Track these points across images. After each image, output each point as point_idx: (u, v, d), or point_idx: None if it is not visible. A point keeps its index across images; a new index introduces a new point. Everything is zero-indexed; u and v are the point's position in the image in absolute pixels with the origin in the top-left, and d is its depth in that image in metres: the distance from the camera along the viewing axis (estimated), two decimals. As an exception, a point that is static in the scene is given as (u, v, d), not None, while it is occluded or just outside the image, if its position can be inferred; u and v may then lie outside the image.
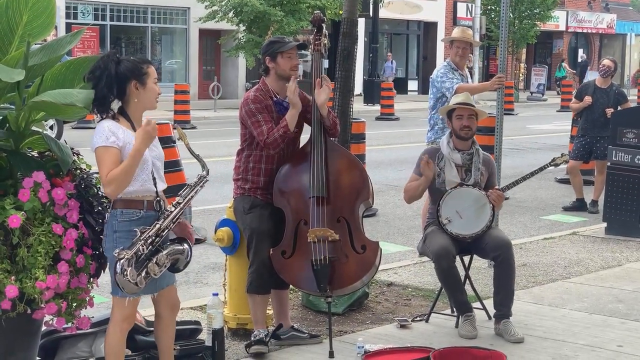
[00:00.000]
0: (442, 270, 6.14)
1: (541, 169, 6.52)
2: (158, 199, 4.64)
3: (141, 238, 4.47)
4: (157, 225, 4.53)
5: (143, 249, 4.45)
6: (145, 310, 6.04)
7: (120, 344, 4.68)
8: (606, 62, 11.81)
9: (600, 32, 50.47)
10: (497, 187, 6.52)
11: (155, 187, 4.63)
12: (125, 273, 4.39)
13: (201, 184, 4.79)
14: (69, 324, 4.58)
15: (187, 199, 4.70)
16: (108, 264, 4.63)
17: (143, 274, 4.46)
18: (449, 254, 6.10)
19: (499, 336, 6.16)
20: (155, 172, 4.64)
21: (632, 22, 52.19)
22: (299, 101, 5.73)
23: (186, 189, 4.76)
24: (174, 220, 4.62)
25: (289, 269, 5.76)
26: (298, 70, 5.89)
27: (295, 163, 5.83)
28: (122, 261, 4.39)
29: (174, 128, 4.94)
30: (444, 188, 6.32)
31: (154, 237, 4.51)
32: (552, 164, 6.57)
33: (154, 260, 4.50)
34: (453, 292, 6.27)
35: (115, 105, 4.60)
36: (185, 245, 4.68)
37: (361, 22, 32.16)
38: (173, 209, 4.63)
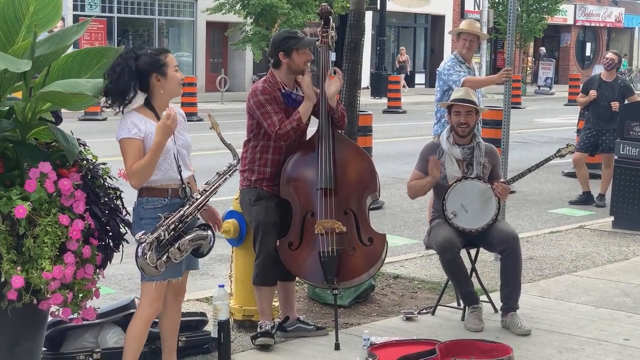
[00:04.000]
0: (447, 262, 6.14)
1: (547, 160, 6.48)
2: (183, 186, 4.77)
3: (164, 223, 4.60)
4: (181, 212, 4.67)
5: (165, 234, 4.59)
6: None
7: (143, 330, 4.78)
8: (609, 55, 11.80)
9: (608, 25, 50.30)
10: (502, 179, 6.50)
11: (180, 175, 4.74)
12: (145, 256, 4.53)
13: (230, 172, 4.92)
14: (75, 315, 4.58)
15: (214, 186, 4.83)
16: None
17: (164, 258, 4.59)
18: (453, 245, 6.09)
19: (506, 329, 6.16)
20: (180, 160, 4.76)
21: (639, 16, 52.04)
22: (314, 94, 5.72)
23: (215, 176, 4.86)
24: (199, 207, 4.75)
25: (295, 261, 5.76)
26: (309, 64, 5.87)
27: (302, 155, 5.82)
28: (143, 245, 4.53)
29: (208, 117, 5.02)
30: (445, 183, 6.30)
31: (177, 223, 4.64)
32: (557, 154, 6.53)
33: (176, 245, 4.63)
34: (459, 283, 6.26)
35: (141, 97, 4.73)
36: (209, 232, 4.82)
37: (369, 15, 32.10)
38: (199, 196, 4.75)
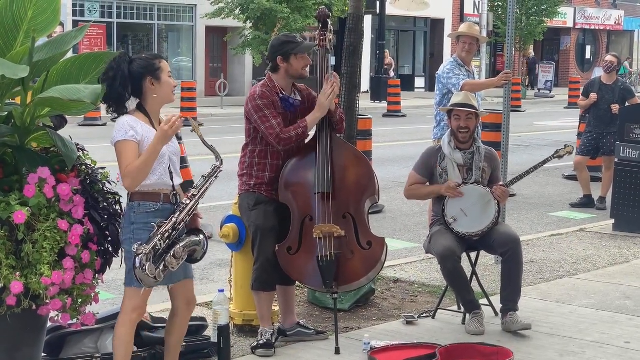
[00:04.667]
0: (448, 271, 6.13)
1: (545, 161, 6.47)
2: (174, 192, 4.75)
3: (158, 232, 4.56)
4: (174, 219, 4.63)
5: (160, 244, 4.55)
6: (152, 306, 6.04)
7: (129, 335, 4.74)
8: (609, 57, 11.80)
9: (607, 28, 50.32)
10: (501, 182, 6.50)
11: (172, 181, 4.72)
12: (144, 268, 4.49)
13: (215, 174, 4.87)
14: (74, 320, 4.57)
15: (201, 190, 4.79)
16: (124, 255, 4.69)
17: (161, 267, 4.56)
18: (453, 254, 6.08)
19: (506, 332, 6.14)
20: (172, 167, 4.74)
21: (639, 19, 52.01)
22: (327, 108, 5.70)
23: (200, 180, 4.84)
24: (189, 212, 4.72)
25: (294, 265, 5.75)
26: (308, 69, 5.85)
27: (300, 159, 5.81)
28: (140, 256, 4.48)
29: (188, 120, 4.99)
30: None
31: (170, 231, 4.61)
32: (555, 156, 6.53)
33: (171, 253, 4.59)
34: (460, 292, 6.25)
35: (133, 102, 4.71)
36: (201, 236, 4.78)
37: (368, 19, 32.11)
38: (188, 201, 4.72)
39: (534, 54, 42.97)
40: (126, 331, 4.71)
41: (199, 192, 4.75)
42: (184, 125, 4.89)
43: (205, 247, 4.79)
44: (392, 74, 34.68)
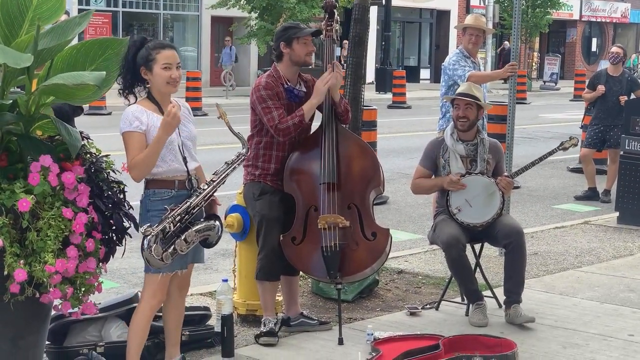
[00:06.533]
0: (452, 259, 6.13)
1: (550, 153, 6.46)
2: (189, 177, 4.76)
3: (169, 215, 4.60)
4: (188, 203, 4.68)
5: (170, 226, 4.59)
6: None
7: (146, 321, 4.79)
8: (614, 49, 11.78)
9: (614, 21, 50.18)
10: (505, 173, 6.49)
11: (186, 166, 4.73)
12: (150, 249, 4.55)
13: (239, 161, 4.92)
14: (75, 309, 4.57)
15: (221, 176, 4.83)
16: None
17: (170, 250, 4.59)
18: (458, 242, 6.08)
19: (510, 323, 6.14)
20: (185, 152, 4.76)
21: (646, 11, 51.87)
22: (324, 94, 5.69)
23: (223, 166, 4.87)
24: (205, 198, 4.75)
25: (299, 256, 5.75)
26: (312, 57, 5.85)
27: (306, 149, 5.80)
28: (148, 237, 4.54)
29: (216, 107, 5.00)
30: None
31: (183, 215, 4.65)
32: (560, 148, 6.52)
33: (183, 237, 4.63)
34: (463, 281, 6.25)
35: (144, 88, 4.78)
36: (216, 222, 4.83)
37: (373, 10, 32.07)
38: (206, 187, 4.76)
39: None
40: (144, 318, 4.77)
41: (218, 178, 4.79)
42: (202, 115, 4.90)
43: (219, 232, 4.84)
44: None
